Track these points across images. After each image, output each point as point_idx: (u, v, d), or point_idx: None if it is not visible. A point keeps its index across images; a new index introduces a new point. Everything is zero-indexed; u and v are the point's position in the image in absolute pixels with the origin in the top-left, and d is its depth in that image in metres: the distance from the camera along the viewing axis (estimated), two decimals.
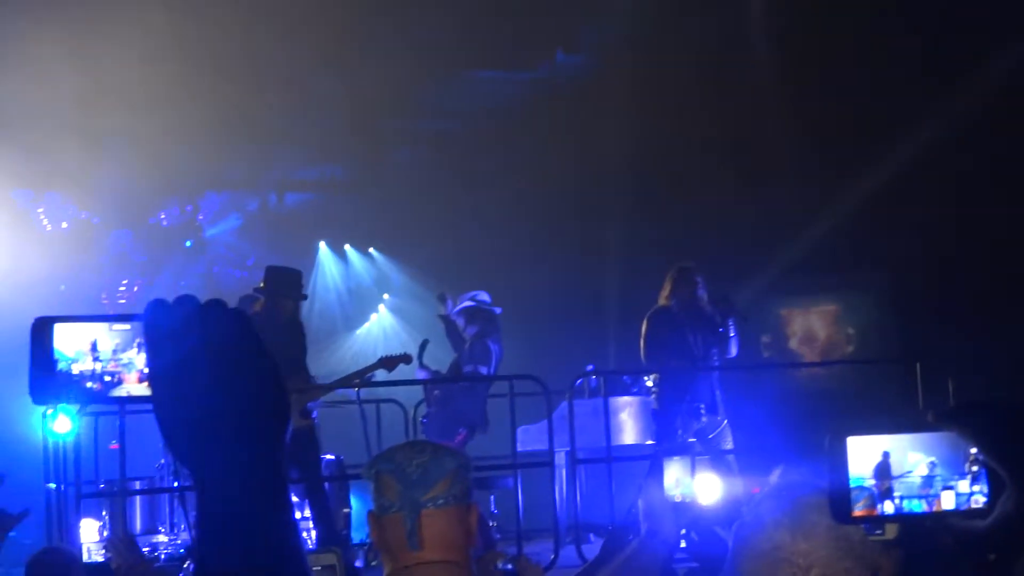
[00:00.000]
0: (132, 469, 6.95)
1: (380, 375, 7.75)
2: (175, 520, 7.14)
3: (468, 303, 8.70)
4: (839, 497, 1.42)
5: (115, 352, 1.10)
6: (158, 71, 11.99)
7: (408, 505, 2.35)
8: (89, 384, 1.09)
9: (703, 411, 7.28)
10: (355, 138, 13.39)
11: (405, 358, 7.93)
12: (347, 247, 14.98)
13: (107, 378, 1.10)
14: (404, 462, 2.39)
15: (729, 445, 7.36)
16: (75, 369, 1.09)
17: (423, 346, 8.69)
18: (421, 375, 8.49)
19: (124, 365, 1.11)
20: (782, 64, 12.17)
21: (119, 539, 6.68)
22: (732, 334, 7.50)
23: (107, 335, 1.11)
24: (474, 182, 13.44)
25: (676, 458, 2.63)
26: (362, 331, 15.08)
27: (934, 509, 1.43)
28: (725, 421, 7.48)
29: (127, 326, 1.10)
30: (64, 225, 13.73)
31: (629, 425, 7.99)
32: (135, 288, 14.09)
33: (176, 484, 6.85)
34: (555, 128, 12.68)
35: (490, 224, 13.10)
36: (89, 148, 12.25)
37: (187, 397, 1.00)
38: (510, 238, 12.91)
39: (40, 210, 13.55)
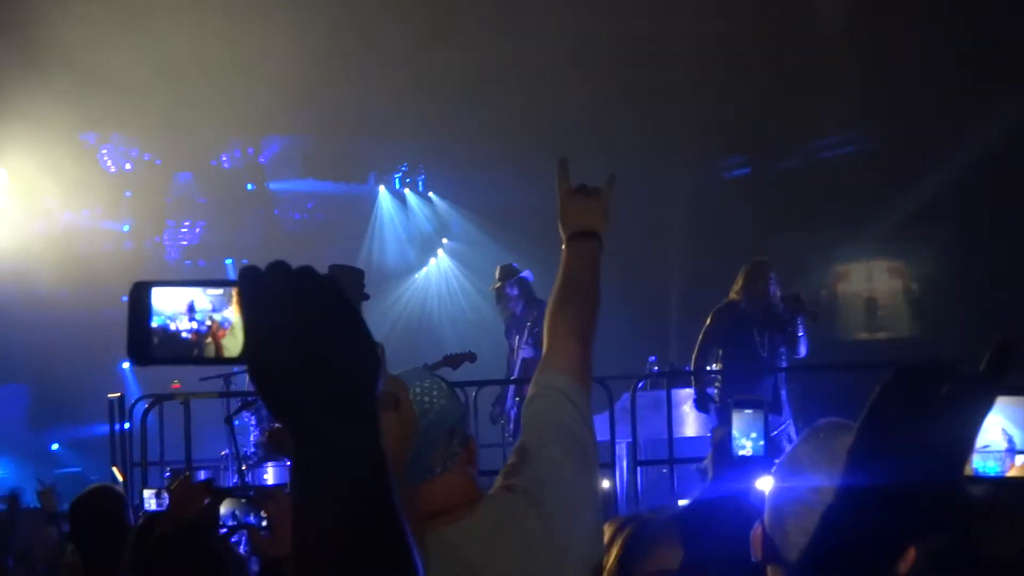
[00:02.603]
0: (196, 454, 7.06)
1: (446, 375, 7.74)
2: None
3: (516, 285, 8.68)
4: None
5: (213, 310, 1.15)
6: (221, 12, 11.92)
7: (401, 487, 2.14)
8: (185, 335, 1.14)
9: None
10: (417, 80, 13.24)
11: (470, 356, 7.90)
12: (407, 191, 14.93)
13: (205, 335, 1.14)
14: None
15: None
16: (173, 327, 1.14)
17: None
18: (527, 352, 8.35)
19: (221, 322, 1.15)
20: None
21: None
22: (800, 333, 7.38)
23: (204, 296, 1.15)
24: (541, 132, 13.27)
25: (747, 411, 2.51)
26: (420, 275, 15.12)
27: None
28: (789, 421, 7.39)
29: (220, 291, 1.15)
30: (128, 167, 13.82)
31: (691, 417, 7.96)
32: (196, 230, 14.21)
33: (240, 470, 6.95)
34: (624, 98, 12.45)
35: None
36: (152, 91, 12.26)
37: (282, 358, 1.06)
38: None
39: (104, 152, 13.64)
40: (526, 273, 8.87)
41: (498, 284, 8.96)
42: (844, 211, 11.98)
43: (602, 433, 7.58)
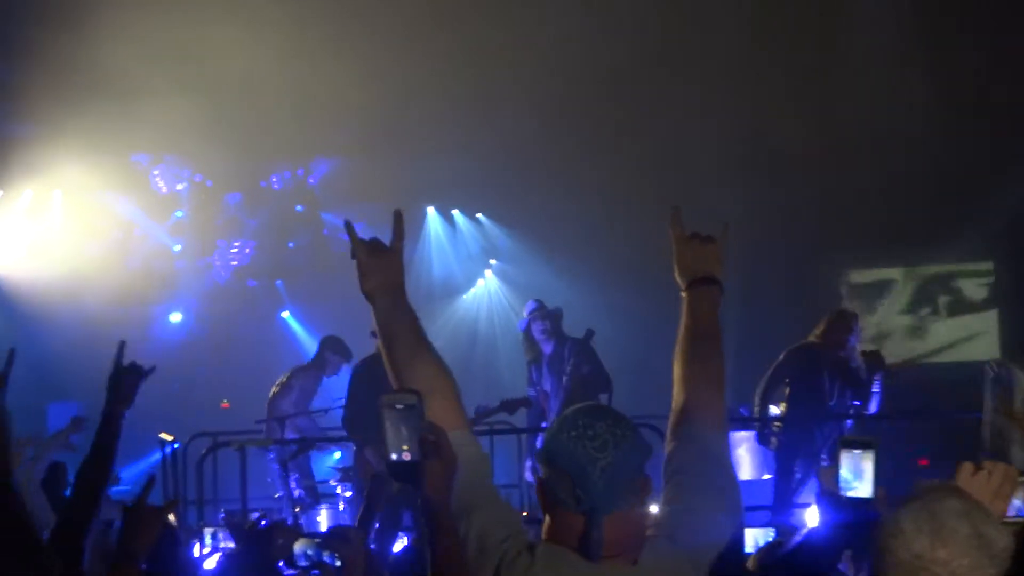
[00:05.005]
0: (251, 499, 7.08)
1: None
2: None
3: (538, 318, 8.44)
4: None
5: None
6: (272, 36, 11.99)
7: (591, 513, 2.17)
8: None
9: (824, 461, 7.11)
10: (467, 101, 13.23)
11: (525, 402, 7.85)
12: (455, 212, 14.95)
13: None
14: (586, 462, 2.17)
15: None
16: None
17: (590, 335, 8.31)
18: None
19: None
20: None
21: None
22: (875, 390, 7.33)
23: None
24: (591, 151, 13.22)
25: (856, 452, 2.37)
26: (468, 296, 15.11)
27: None
28: None
29: None
30: (179, 188, 13.94)
31: (746, 460, 7.87)
32: (247, 250, 14.29)
33: (294, 513, 6.97)
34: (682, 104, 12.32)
35: (605, 203, 12.92)
36: (204, 113, 12.34)
37: None
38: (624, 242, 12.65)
39: (156, 173, 13.78)
40: (554, 309, 8.60)
41: (526, 318, 8.54)
42: (907, 234, 11.78)
43: (655, 474, 7.47)
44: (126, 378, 3.62)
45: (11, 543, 3.02)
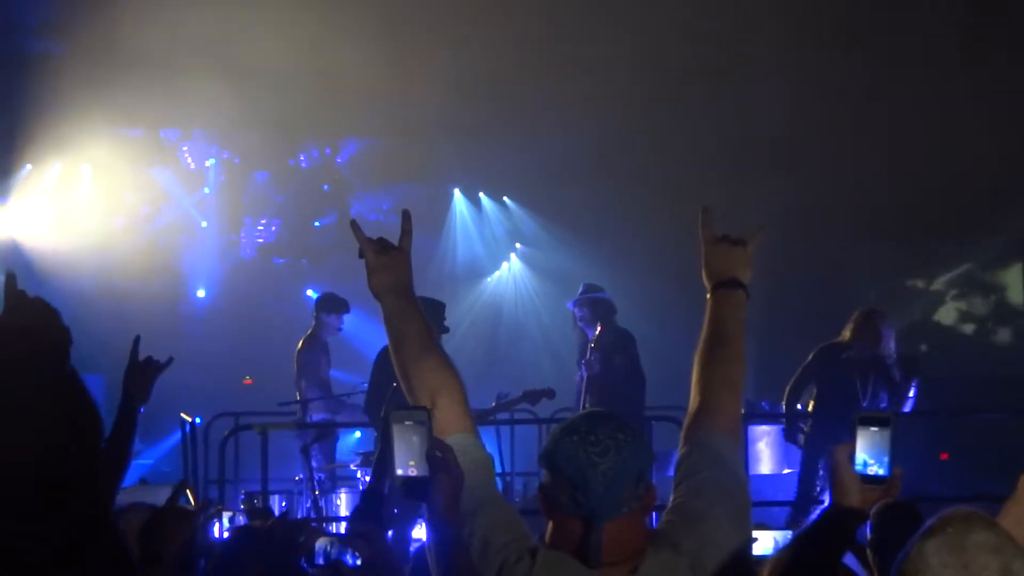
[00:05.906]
0: (272, 480, 7.10)
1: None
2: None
3: (576, 304, 8.37)
4: None
5: None
6: (303, 16, 11.98)
7: (590, 518, 2.16)
8: None
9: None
10: (494, 84, 13.18)
11: (548, 392, 7.79)
12: (481, 195, 14.92)
13: None
14: (587, 466, 2.15)
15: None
16: None
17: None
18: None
19: None
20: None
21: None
22: (911, 395, 7.28)
23: None
24: (618, 139, 13.15)
25: (873, 429, 2.26)
26: (492, 279, 15.11)
27: None
28: None
29: None
30: (207, 164, 13.98)
31: (766, 455, 7.84)
32: (272, 228, 14.34)
33: (314, 496, 6.99)
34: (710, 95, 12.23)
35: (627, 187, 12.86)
36: (233, 90, 12.36)
37: None
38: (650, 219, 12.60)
39: (185, 149, 13.82)
40: (602, 294, 8.54)
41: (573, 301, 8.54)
42: (940, 233, 11.65)
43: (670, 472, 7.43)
44: (142, 373, 3.63)
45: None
